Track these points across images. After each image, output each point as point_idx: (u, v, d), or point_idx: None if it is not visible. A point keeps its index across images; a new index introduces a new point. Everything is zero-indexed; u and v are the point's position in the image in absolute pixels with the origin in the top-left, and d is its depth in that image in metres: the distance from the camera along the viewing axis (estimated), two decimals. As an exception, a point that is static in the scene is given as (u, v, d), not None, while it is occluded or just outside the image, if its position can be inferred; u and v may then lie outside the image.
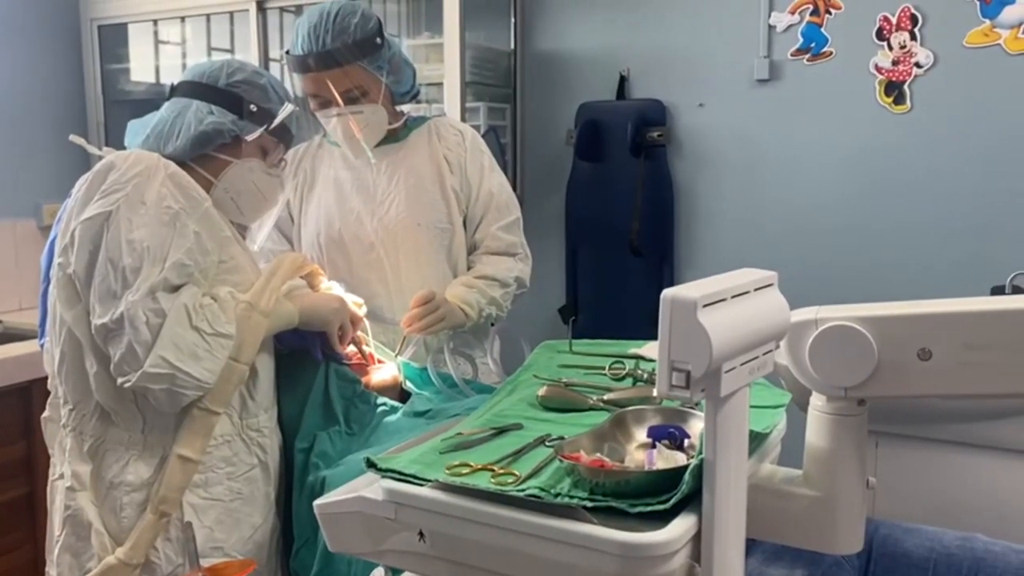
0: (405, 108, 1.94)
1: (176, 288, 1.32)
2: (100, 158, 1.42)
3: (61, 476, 1.42)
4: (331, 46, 1.71)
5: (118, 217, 1.31)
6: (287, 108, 1.51)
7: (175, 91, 1.50)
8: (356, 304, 1.63)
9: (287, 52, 1.80)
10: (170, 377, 1.29)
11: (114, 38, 3.19)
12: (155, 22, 3.12)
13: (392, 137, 1.89)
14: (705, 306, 0.77)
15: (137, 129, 1.49)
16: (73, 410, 1.41)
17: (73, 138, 1.58)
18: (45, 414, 1.48)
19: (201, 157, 1.45)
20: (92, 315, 1.31)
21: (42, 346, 1.48)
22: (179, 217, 1.34)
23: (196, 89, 1.48)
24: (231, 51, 3.03)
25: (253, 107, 1.47)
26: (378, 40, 1.76)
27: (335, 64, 1.73)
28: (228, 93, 1.46)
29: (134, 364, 1.28)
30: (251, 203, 1.52)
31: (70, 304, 1.36)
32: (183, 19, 3.06)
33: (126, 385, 1.30)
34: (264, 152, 1.52)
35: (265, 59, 2.90)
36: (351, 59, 1.73)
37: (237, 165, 1.48)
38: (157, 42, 3.17)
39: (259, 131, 1.48)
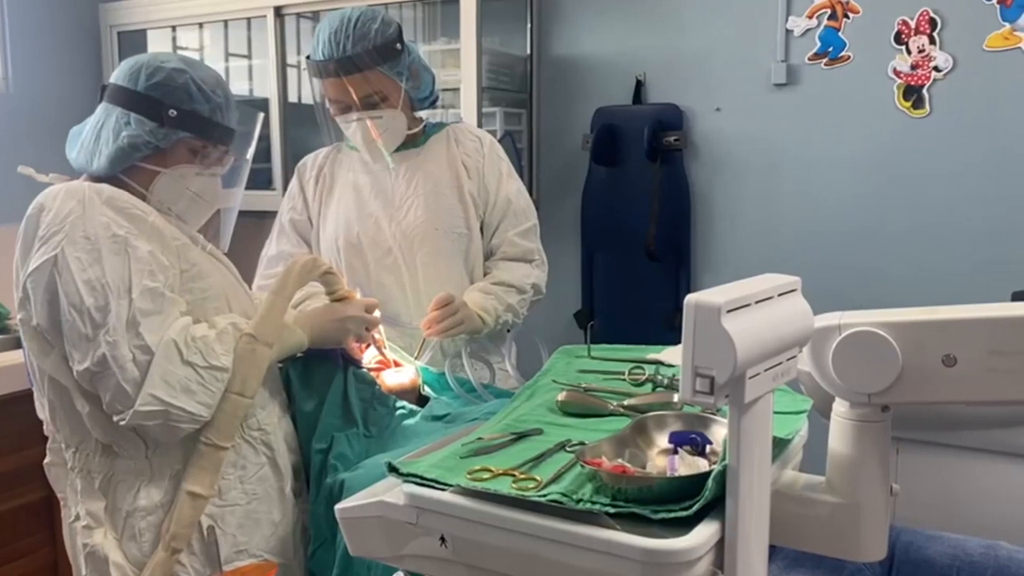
0: (423, 114, 1.95)
1: (155, 314, 1.27)
2: (50, 184, 1.36)
3: (77, 517, 1.40)
4: (351, 52, 1.72)
5: (66, 259, 1.25)
6: (212, 104, 1.40)
7: (103, 92, 1.41)
8: (370, 306, 1.60)
9: (308, 57, 1.81)
10: (163, 413, 1.26)
11: (133, 44, 3.22)
12: (173, 28, 3.15)
13: (411, 142, 1.90)
14: (729, 311, 0.76)
15: (74, 139, 1.42)
16: (76, 452, 1.39)
17: (22, 169, 1.50)
18: (47, 460, 1.45)
19: (129, 169, 1.37)
20: (71, 362, 1.27)
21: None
22: (128, 242, 1.28)
23: (117, 94, 1.38)
24: (248, 57, 3.05)
25: (172, 112, 1.36)
26: (398, 46, 1.77)
27: (355, 69, 1.73)
28: (146, 98, 1.36)
29: (126, 403, 1.25)
30: (189, 209, 1.43)
31: (44, 353, 1.32)
32: (201, 25, 3.09)
33: (121, 423, 1.27)
34: (194, 153, 1.41)
35: (283, 65, 2.92)
36: (371, 65, 1.74)
37: (165, 175, 1.39)
38: (175, 48, 3.19)
39: (181, 137, 1.38)
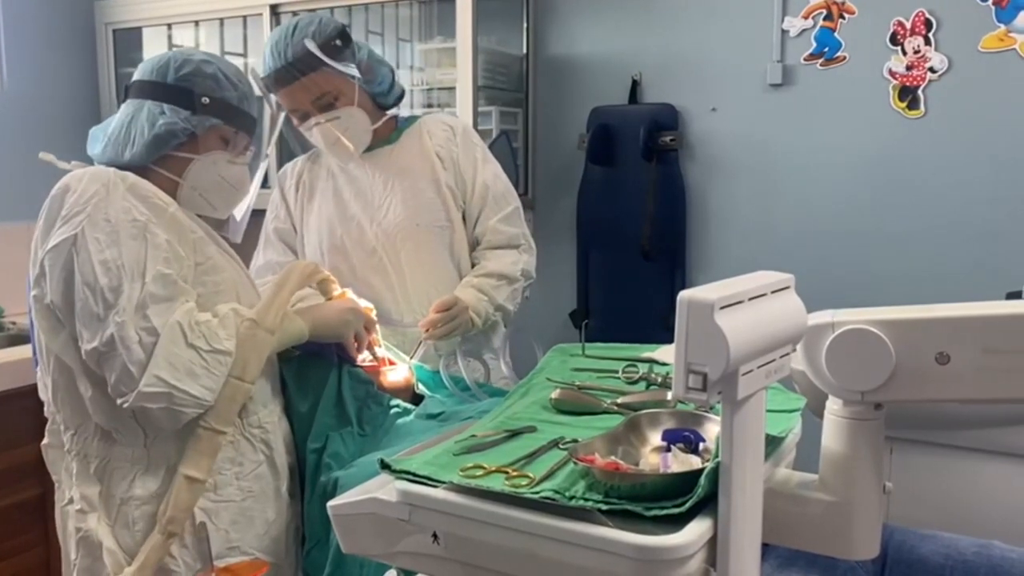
0: (418, 113, 1.94)
1: (165, 300, 1.29)
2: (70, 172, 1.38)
3: (71, 501, 1.41)
4: (291, 57, 1.73)
5: (85, 239, 1.28)
6: (240, 92, 1.46)
7: (128, 91, 1.46)
8: (367, 310, 1.62)
9: (261, 77, 1.80)
10: (167, 396, 1.27)
11: (129, 42, 3.21)
12: (169, 26, 3.14)
13: (383, 140, 1.89)
14: (722, 308, 0.76)
15: (97, 136, 1.45)
16: (75, 434, 1.39)
17: (43, 156, 1.53)
18: (45, 441, 1.46)
19: (162, 158, 1.42)
20: (80, 341, 1.29)
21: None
22: (148, 228, 1.31)
23: (146, 88, 1.43)
24: (244, 55, 3.04)
25: (205, 99, 1.42)
26: (338, 42, 1.76)
27: (298, 74, 1.74)
28: (178, 88, 1.41)
29: (130, 384, 1.26)
30: (220, 196, 1.48)
31: (54, 333, 1.34)
32: (197, 23, 3.08)
33: (124, 405, 1.27)
34: (225, 141, 1.47)
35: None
36: (315, 65, 1.74)
37: (199, 161, 1.44)
38: (171, 46, 3.18)
39: (214, 123, 1.43)
